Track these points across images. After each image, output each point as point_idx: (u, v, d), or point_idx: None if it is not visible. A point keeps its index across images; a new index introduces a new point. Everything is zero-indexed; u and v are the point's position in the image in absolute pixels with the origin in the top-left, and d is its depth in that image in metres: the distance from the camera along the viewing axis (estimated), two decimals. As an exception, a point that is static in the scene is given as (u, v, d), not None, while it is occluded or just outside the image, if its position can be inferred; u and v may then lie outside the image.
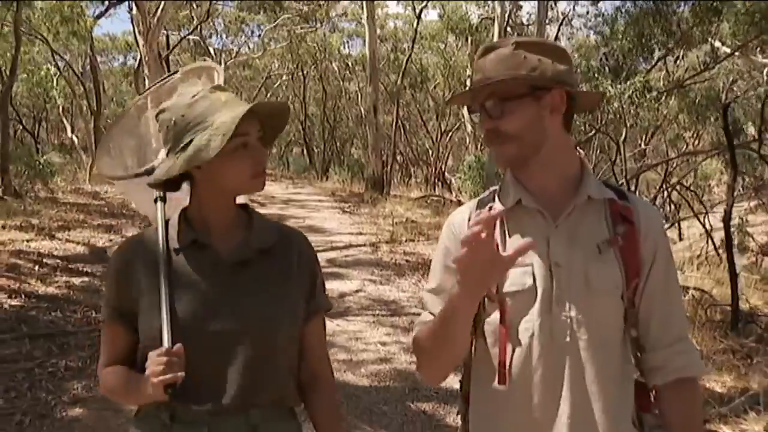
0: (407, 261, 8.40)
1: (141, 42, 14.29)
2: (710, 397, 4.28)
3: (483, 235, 1.17)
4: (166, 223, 1.52)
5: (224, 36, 27.95)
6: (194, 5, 22.64)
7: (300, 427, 1.55)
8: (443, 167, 25.50)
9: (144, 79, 14.99)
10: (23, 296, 5.62)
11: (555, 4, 19.67)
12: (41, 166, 13.87)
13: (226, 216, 1.51)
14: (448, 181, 23.19)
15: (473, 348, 1.48)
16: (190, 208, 1.53)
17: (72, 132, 28.65)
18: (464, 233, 1.26)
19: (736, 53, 14.87)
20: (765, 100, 6.38)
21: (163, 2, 14.18)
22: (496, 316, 1.40)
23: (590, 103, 1.61)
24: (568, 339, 1.36)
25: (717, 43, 15.48)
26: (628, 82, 12.85)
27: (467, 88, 1.39)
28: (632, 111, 12.64)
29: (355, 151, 31.02)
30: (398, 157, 27.99)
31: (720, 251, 13.85)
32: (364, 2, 17.28)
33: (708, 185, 23.48)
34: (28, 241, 7.84)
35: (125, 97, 28.81)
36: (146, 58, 14.18)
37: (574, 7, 41.10)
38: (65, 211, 10.51)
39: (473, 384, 1.49)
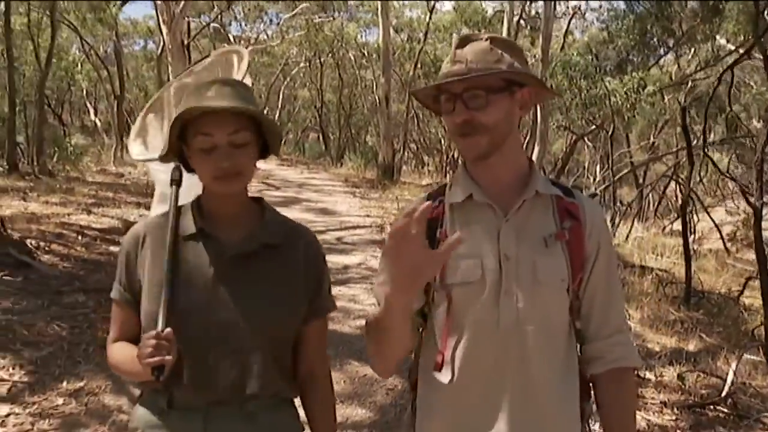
0: (408, 240, 9.17)
1: (164, 30, 14.41)
2: (647, 354, 5.10)
3: (412, 231, 1.14)
4: (180, 208, 1.52)
5: (243, 23, 28.52)
6: (216, -6, 23.29)
7: (297, 416, 1.57)
8: (455, 155, 26.02)
9: (167, 66, 15.29)
10: (72, 260, 6.52)
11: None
12: (71, 148, 14.88)
13: (229, 208, 1.51)
14: (460, 169, 23.66)
15: (422, 337, 1.51)
16: (201, 196, 1.53)
17: (95, 115, 29.63)
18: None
19: (740, 50, 15.32)
20: (708, 103, 7.03)
21: (187, -8, 14.65)
22: (444, 306, 1.42)
23: (541, 100, 1.57)
24: (514, 329, 1.37)
25: (722, 41, 16.00)
26: (625, 79, 13.52)
27: (455, 76, 1.37)
28: (627, 106, 13.22)
29: (369, 138, 31.12)
30: (412, 146, 28.40)
31: (728, 244, 13.92)
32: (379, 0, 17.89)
33: (721, 178, 23.63)
34: (68, 214, 8.80)
35: (146, 81, 29.62)
36: (170, 46, 14.64)
37: (587, 1, 41.07)
38: (96, 190, 11.48)
39: (421, 372, 1.50)
